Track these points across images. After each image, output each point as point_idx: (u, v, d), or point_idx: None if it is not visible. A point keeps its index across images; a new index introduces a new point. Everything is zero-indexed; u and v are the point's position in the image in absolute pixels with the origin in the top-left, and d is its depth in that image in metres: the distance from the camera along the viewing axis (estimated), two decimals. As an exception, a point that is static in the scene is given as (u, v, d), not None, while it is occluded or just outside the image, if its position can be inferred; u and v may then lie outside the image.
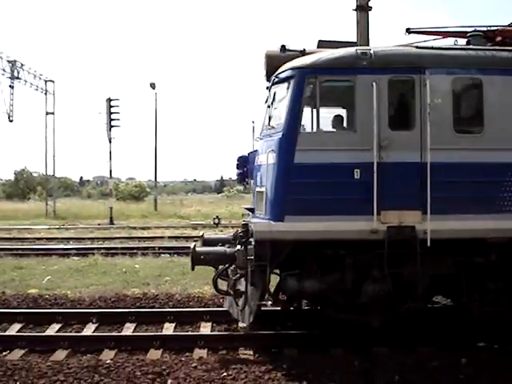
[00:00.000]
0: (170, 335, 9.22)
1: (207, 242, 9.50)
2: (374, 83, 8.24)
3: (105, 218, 36.69)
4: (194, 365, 7.89)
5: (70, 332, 9.53)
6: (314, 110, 8.68)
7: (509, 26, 9.78)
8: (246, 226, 8.60)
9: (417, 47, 8.97)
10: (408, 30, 9.89)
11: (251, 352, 8.58)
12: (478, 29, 9.60)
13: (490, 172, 8.45)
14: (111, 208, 36.48)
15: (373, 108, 8.21)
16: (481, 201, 8.46)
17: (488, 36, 9.62)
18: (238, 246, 8.58)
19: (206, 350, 8.57)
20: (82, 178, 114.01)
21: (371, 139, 8.18)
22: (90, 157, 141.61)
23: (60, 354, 8.37)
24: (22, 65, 39.91)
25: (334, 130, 9.14)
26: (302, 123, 8.57)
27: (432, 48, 9.09)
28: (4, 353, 8.48)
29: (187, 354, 8.50)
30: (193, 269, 8.94)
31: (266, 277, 8.37)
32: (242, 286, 8.65)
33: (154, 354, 8.40)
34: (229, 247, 8.91)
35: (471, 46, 9.30)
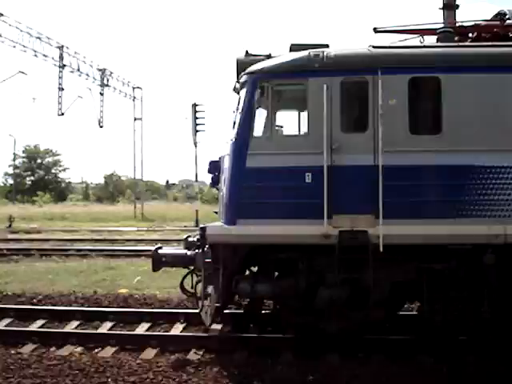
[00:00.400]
0: (256, 336, 9.19)
1: (189, 244, 9.21)
2: (324, 85, 7.99)
3: (191, 220, 37.27)
4: (280, 368, 7.84)
5: (159, 331, 9.70)
6: (268, 115, 8.48)
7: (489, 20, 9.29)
8: (202, 229, 8.50)
9: (374, 47, 8.46)
10: (375, 30, 9.55)
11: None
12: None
13: (449, 175, 7.94)
14: (197, 210, 37.05)
15: (323, 110, 7.96)
16: (438, 205, 7.96)
17: (461, 32, 9.21)
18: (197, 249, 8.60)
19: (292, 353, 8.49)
20: (168, 181, 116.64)
21: (322, 142, 7.93)
22: (175, 161, 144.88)
23: (149, 353, 8.53)
24: (111, 73, 41.51)
25: (287, 134, 8.96)
26: (255, 128, 8.39)
27: (388, 47, 8.66)
28: (96, 350, 8.72)
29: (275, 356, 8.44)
30: (154, 270, 9.10)
31: (217, 280, 8.34)
32: (209, 289, 8.55)
33: (241, 355, 8.43)
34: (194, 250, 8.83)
35: (430, 44, 8.86)
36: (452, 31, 8.92)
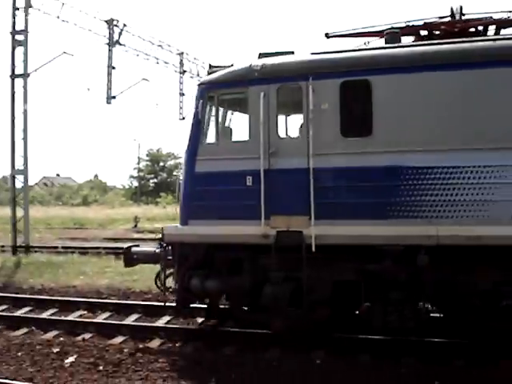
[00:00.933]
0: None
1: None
2: (262, 93, 8.42)
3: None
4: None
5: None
6: (215, 123, 9.05)
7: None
8: (162, 229, 9.34)
9: (311, 53, 8.60)
10: (327, 35, 9.64)
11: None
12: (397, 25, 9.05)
13: (380, 176, 7.88)
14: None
15: (260, 117, 8.29)
16: (370, 206, 7.94)
17: (409, 32, 9.12)
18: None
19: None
20: None
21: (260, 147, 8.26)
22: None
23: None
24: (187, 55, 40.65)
25: (232, 140, 9.29)
26: (208, 135, 8.95)
27: (321, 53, 8.62)
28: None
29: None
30: (126, 266, 10.07)
31: (174, 275, 9.18)
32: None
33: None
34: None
35: (362, 47, 9.01)
36: (397, 32, 8.81)
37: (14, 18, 22.91)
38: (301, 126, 8.47)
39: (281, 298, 8.45)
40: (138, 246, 10.33)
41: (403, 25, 9.11)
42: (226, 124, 9.56)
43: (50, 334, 10.03)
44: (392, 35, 8.74)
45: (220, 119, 9.14)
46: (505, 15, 8.95)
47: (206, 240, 8.91)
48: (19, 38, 22.88)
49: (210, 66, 9.52)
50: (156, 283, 9.78)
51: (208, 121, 9.07)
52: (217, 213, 8.77)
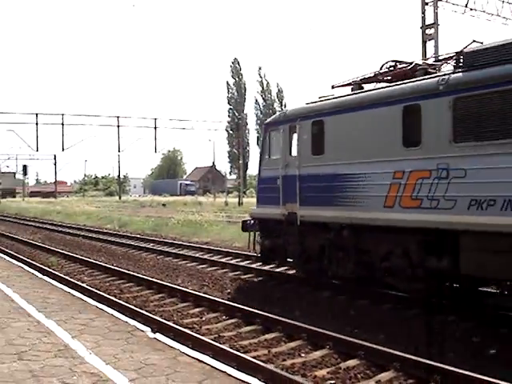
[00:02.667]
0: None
1: None
2: (281, 129, 14.58)
3: None
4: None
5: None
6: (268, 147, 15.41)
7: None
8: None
9: (306, 103, 14.18)
10: (332, 87, 14.34)
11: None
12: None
13: (329, 179, 12.84)
14: None
15: (280, 144, 14.59)
16: (324, 198, 12.93)
17: (379, 80, 13.26)
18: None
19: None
20: None
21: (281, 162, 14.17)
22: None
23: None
24: None
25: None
26: (265, 154, 15.50)
27: (308, 103, 14.21)
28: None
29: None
30: (243, 231, 16.60)
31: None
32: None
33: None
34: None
35: (327, 97, 13.91)
36: (359, 83, 13.50)
37: (424, 12, 25.01)
38: (294, 150, 14.11)
39: (294, 252, 14.29)
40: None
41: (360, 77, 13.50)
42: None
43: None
44: (354, 86, 13.57)
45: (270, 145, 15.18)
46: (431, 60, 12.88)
47: (262, 216, 15.45)
48: (429, 32, 24.85)
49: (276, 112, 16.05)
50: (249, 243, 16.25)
51: (267, 146, 15.29)
52: (267, 201, 15.11)
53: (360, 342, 8.92)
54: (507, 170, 9.34)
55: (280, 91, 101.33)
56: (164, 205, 62.73)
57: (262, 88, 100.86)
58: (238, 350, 9.01)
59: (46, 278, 14.32)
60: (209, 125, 79.72)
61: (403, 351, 8.34)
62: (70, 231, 33.37)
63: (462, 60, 10.76)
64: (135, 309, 11.76)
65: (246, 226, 16.40)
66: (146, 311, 11.75)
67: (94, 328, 8.78)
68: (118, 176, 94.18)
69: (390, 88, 12.10)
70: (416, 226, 10.87)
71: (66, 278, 15.73)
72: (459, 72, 10.56)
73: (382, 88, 12.61)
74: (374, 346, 8.67)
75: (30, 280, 13.78)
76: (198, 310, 12.11)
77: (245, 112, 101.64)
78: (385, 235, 11.70)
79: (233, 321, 11.09)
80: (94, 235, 30.16)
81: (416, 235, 11.02)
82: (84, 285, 14.82)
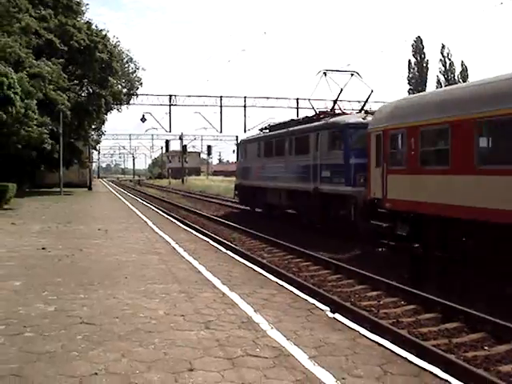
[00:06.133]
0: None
1: None
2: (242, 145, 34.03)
3: None
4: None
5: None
6: None
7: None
8: None
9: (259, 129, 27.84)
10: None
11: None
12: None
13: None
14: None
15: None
16: (249, 176, 31.13)
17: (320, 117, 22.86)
18: None
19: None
20: None
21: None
22: None
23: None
24: None
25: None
26: None
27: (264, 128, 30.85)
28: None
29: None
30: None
31: None
32: None
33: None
34: None
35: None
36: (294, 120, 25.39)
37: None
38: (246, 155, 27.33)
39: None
40: None
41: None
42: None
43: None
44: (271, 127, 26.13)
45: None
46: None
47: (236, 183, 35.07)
48: None
49: None
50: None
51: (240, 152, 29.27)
52: (240, 176, 34.52)
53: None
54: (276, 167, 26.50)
55: (464, 70, 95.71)
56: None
57: (445, 67, 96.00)
58: (417, 337, 8.82)
59: (229, 252, 15.03)
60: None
61: None
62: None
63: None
64: (313, 287, 11.96)
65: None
66: (324, 291, 11.90)
67: (275, 303, 9.04)
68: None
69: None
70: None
71: (248, 253, 16.43)
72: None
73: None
74: None
75: (215, 254, 14.57)
76: (375, 293, 12.00)
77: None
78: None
79: (411, 307, 10.84)
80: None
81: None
82: (264, 261, 15.37)
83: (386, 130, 16.21)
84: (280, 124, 28.12)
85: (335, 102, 24.04)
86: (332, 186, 20.34)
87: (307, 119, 24.86)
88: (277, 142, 26.58)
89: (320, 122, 22.48)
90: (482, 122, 12.25)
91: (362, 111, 22.27)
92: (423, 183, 14.36)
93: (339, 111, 23.39)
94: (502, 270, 11.60)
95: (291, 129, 25.15)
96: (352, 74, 23.82)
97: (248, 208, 32.37)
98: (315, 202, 21.42)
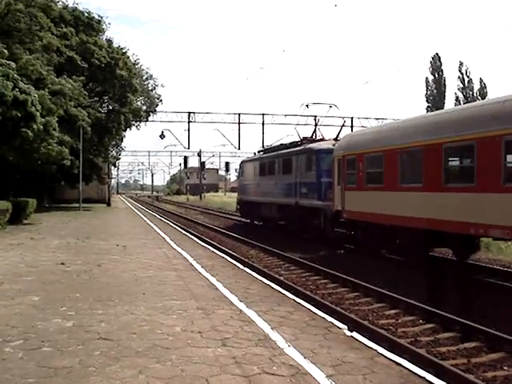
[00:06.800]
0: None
1: None
2: (241, 165, 40.15)
3: None
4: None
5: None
6: None
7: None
8: None
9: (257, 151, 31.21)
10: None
11: None
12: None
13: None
14: None
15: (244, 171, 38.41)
16: (249, 192, 35.57)
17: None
18: None
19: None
20: None
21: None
22: None
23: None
24: None
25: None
26: None
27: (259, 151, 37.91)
28: None
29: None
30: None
31: None
32: None
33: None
34: None
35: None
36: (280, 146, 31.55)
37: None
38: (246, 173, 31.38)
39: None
40: None
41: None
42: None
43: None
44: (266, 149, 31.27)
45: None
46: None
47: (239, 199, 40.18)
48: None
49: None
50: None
51: (241, 172, 33.03)
52: (241, 193, 39.75)
53: None
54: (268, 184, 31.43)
55: (483, 87, 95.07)
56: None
57: (463, 84, 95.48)
58: (435, 357, 8.72)
59: (246, 269, 15.01)
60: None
61: None
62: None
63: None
64: (331, 305, 11.90)
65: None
66: (342, 308, 11.83)
67: (293, 321, 8.99)
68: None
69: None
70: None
71: (265, 270, 16.41)
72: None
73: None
74: None
75: (233, 270, 14.56)
76: (393, 311, 11.90)
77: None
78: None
79: (430, 325, 10.74)
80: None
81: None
82: (281, 278, 15.33)
83: (344, 155, 21.22)
84: (272, 147, 34.82)
85: (315, 130, 30.49)
86: (308, 201, 25.11)
87: (294, 144, 29.52)
88: (269, 163, 31.83)
89: (300, 147, 27.38)
90: (403, 151, 17.23)
91: (332, 139, 26.38)
92: (367, 198, 19.36)
93: (320, 137, 28.31)
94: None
95: (280, 152, 30.48)
96: (330, 106, 29.53)
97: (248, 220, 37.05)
98: (296, 213, 26.41)
